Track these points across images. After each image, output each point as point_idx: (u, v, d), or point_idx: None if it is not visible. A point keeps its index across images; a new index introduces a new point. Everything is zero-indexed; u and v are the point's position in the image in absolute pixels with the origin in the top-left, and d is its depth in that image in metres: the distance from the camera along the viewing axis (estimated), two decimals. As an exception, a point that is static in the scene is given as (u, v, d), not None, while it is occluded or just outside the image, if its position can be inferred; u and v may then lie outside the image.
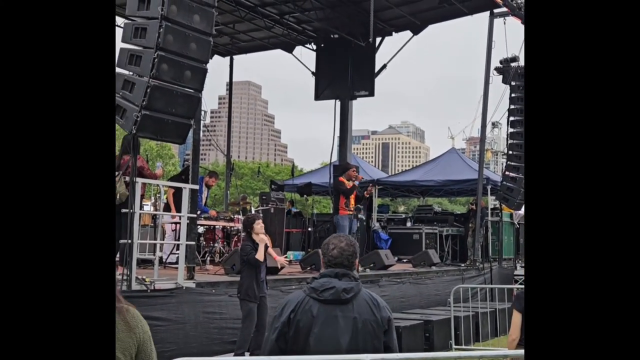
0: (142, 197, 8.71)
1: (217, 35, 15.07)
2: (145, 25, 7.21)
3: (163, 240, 11.15)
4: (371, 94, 17.26)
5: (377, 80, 17.29)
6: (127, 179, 7.87)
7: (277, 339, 3.11)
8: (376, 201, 19.98)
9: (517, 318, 4.99)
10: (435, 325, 10.33)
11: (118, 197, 8.10)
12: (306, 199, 17.82)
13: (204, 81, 7.77)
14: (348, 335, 3.09)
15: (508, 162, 15.77)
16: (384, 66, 17.40)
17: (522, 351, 3.35)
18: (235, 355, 7.79)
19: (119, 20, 16.06)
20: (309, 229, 16.55)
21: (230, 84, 20.95)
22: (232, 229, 12.34)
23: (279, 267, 9.81)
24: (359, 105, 17.91)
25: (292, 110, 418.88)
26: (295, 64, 18.69)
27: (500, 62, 16.23)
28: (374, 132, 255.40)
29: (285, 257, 9.77)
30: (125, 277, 7.43)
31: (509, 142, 15.77)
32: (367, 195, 15.23)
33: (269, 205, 14.30)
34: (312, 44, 18.34)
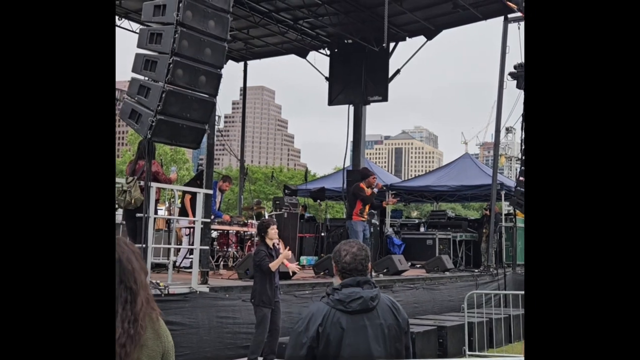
0: (157, 201, 8.75)
1: (231, 41, 15.12)
2: (160, 30, 7.27)
3: (177, 244, 11.21)
4: (384, 99, 17.25)
5: (390, 85, 17.27)
6: (142, 183, 7.91)
7: (307, 355, 3.06)
8: (389, 206, 19.95)
9: None
10: (448, 331, 10.29)
11: (133, 201, 8.15)
12: (319, 204, 17.80)
13: (218, 86, 7.81)
14: (377, 342, 3.11)
15: (522, 168, 15.71)
16: (398, 71, 17.39)
17: None
18: (248, 360, 7.80)
19: (134, 26, 16.25)
20: (322, 234, 16.55)
21: (244, 89, 21.01)
22: (245, 233, 12.37)
23: (291, 273, 9.80)
24: (372, 110, 17.92)
25: (306, 115, 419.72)
26: (309, 69, 18.76)
27: (515, 67, 16.15)
28: (387, 137, 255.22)
29: (297, 264, 9.76)
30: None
31: (523, 147, 15.70)
32: (391, 204, 15.12)
33: (283, 210, 14.31)
34: (326, 49, 18.37)
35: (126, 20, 16.56)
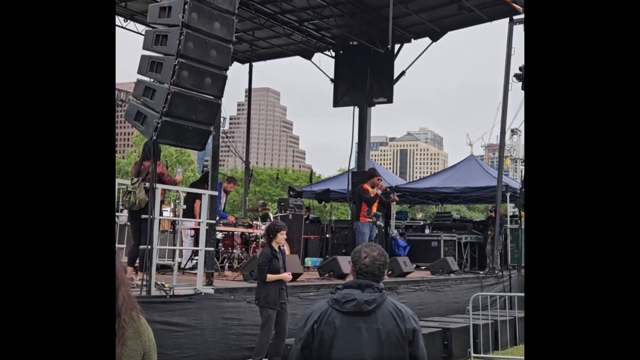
0: (162, 203, 8.76)
1: (236, 42, 15.12)
2: (166, 32, 7.28)
3: (182, 246, 11.20)
4: (390, 100, 17.24)
5: (395, 86, 17.28)
6: (147, 184, 7.92)
7: (302, 349, 3.16)
8: (394, 208, 19.93)
9: None
10: (454, 333, 10.27)
11: (137, 202, 8.15)
12: (324, 206, 17.78)
13: (223, 88, 7.82)
14: (372, 347, 3.10)
15: (527, 169, 15.65)
16: (403, 73, 17.38)
17: None
18: (253, 361, 7.79)
19: (140, 28, 16.28)
20: (327, 236, 16.52)
21: (249, 91, 21.05)
22: (250, 235, 12.37)
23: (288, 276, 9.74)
24: (377, 111, 17.95)
25: (311, 117, 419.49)
26: (314, 70, 18.77)
27: (520, 68, 16.08)
28: (392, 139, 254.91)
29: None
30: (144, 283, 7.48)
31: (528, 149, 15.64)
32: (393, 202, 15.16)
33: (287, 211, 14.31)
34: (331, 50, 18.38)
35: (132, 22, 16.62)
